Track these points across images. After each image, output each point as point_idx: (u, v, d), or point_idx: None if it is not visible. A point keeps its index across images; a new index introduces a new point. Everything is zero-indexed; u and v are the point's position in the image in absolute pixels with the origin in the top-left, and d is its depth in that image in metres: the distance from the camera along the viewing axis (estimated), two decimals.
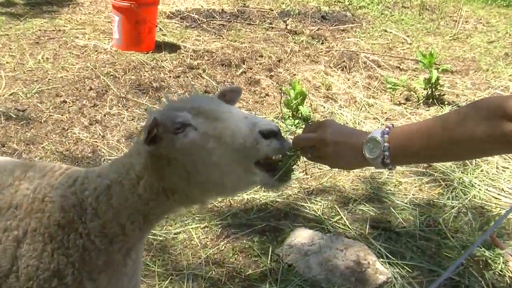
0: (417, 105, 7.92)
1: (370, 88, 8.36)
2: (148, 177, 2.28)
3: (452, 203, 5.57)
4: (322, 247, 4.63)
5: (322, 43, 9.93)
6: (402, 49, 10.15)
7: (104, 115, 6.57)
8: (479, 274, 4.56)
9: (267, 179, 2.14)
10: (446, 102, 7.96)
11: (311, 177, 5.93)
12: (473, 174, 6.06)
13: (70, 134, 6.16)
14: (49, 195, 2.41)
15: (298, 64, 8.83)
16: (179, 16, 10.35)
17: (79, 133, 6.19)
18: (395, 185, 5.86)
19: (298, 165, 2.29)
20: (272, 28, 10.33)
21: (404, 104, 8.01)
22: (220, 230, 4.95)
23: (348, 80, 8.56)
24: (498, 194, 5.76)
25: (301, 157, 2.27)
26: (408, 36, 10.74)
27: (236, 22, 10.38)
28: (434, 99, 7.97)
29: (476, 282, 4.50)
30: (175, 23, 10.02)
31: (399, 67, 9.25)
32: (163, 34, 9.18)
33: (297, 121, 7.01)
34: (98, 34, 8.96)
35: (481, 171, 6.13)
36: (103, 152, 5.91)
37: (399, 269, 4.59)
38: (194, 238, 4.83)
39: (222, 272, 4.46)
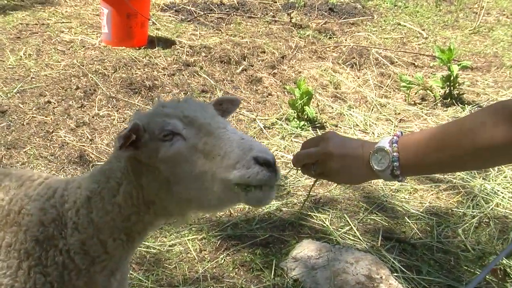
0: (434, 105, 7.94)
1: (382, 87, 8.38)
2: (127, 184, 2.32)
3: (472, 212, 5.58)
4: (331, 260, 4.64)
5: (329, 37, 9.95)
6: (417, 44, 10.18)
7: (93, 117, 6.59)
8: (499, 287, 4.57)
9: (245, 198, 2.17)
10: (465, 102, 7.98)
11: (318, 184, 5.94)
12: (495, 180, 6.07)
13: (55, 138, 6.17)
14: (26, 207, 2.41)
15: (304, 61, 8.85)
16: (174, 8, 10.38)
17: (65, 136, 6.21)
18: (410, 193, 5.87)
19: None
20: (275, 21, 10.35)
21: (419, 104, 8.03)
22: (219, 242, 4.96)
23: (358, 78, 8.58)
24: None
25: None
26: (423, 30, 10.77)
27: (236, 15, 10.40)
28: (452, 98, 7.99)
29: None
30: (170, 16, 10.05)
31: (414, 64, 9.27)
32: (156, 28, 9.20)
33: (302, 122, 7.03)
34: (85, 28, 8.98)
35: (505, 177, 6.15)
36: (91, 157, 5.93)
37: (414, 284, 4.60)
38: (190, 250, 4.85)
39: None
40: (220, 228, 5.12)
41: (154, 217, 2.38)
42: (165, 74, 7.67)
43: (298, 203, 5.57)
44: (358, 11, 11.48)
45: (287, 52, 9.01)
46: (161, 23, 9.52)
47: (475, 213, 5.55)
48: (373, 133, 7.10)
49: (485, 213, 5.55)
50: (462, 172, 6.15)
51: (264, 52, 8.80)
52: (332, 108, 7.64)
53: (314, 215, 5.39)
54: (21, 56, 7.72)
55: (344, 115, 7.48)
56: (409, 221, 5.39)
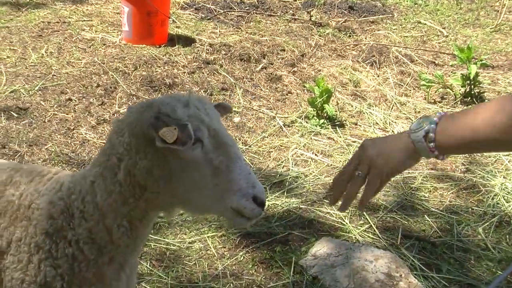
0: (454, 103, 7.90)
1: (402, 85, 8.35)
2: (128, 159, 2.35)
3: (493, 211, 5.54)
4: (350, 258, 4.63)
5: (349, 36, 9.93)
6: (437, 42, 10.13)
7: (113, 114, 6.63)
8: None
9: (231, 220, 2.39)
10: (486, 101, 7.93)
11: None
12: None
13: (76, 135, 6.21)
14: (36, 201, 2.46)
15: (324, 59, 8.84)
16: (194, 6, 10.41)
17: (85, 133, 6.25)
18: (430, 191, 5.85)
19: None
20: (295, 19, 10.35)
21: (439, 102, 7.99)
22: (238, 239, 4.97)
23: (378, 76, 8.55)
24: None
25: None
26: (444, 28, 10.71)
27: (256, 13, 10.41)
28: (473, 97, 7.95)
29: None
30: (190, 14, 10.08)
31: (434, 62, 9.23)
32: (176, 27, 9.24)
33: (322, 120, 7.03)
34: (106, 26, 9.04)
35: None
36: None
37: (434, 283, 4.58)
38: (210, 247, 4.86)
39: (240, 285, 4.48)
40: None
41: (146, 205, 2.41)
42: (185, 72, 7.70)
43: (318, 201, 5.57)
44: (378, 9, 11.44)
45: (306, 50, 9.01)
46: (181, 21, 9.55)
47: (495, 212, 5.52)
48: (392, 131, 7.08)
49: (505, 212, 5.52)
50: (483, 171, 6.13)
51: (284, 50, 8.80)
52: (352, 106, 7.62)
53: (334, 213, 5.39)
54: (42, 54, 7.78)
55: (364, 113, 7.46)
56: (429, 220, 5.37)
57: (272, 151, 6.46)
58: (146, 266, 4.56)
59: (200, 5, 10.48)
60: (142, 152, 2.32)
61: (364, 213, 5.38)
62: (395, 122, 7.29)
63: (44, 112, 6.49)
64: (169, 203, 2.44)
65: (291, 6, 11.09)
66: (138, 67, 7.55)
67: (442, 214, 5.47)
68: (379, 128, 7.17)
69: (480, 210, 5.55)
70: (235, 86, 7.59)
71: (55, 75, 7.24)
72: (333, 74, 8.32)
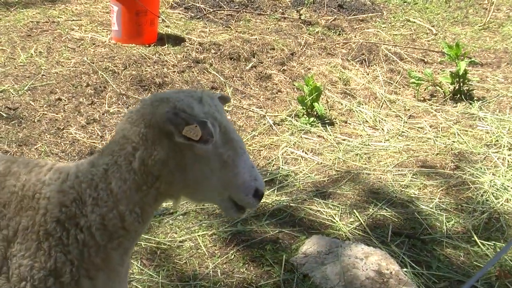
0: (443, 101, 7.93)
1: (391, 83, 8.38)
2: (144, 149, 2.47)
3: (482, 207, 5.57)
4: (340, 256, 4.65)
5: (339, 34, 9.95)
6: (426, 40, 10.16)
7: (103, 114, 6.62)
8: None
9: (228, 210, 2.66)
10: (475, 98, 7.97)
11: (327, 180, 5.95)
12: (505, 176, 6.06)
13: (66, 134, 6.21)
14: (42, 191, 2.52)
15: (313, 57, 8.85)
16: (183, 6, 10.40)
17: (75, 133, 6.24)
18: (420, 188, 5.87)
19: None
20: (285, 18, 10.36)
21: (429, 100, 8.02)
22: (229, 238, 4.98)
23: (368, 74, 8.57)
24: None
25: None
26: (433, 26, 10.74)
27: (245, 12, 10.41)
28: (462, 94, 7.98)
29: None
30: (179, 13, 10.07)
31: (424, 60, 9.26)
32: (166, 26, 9.23)
33: (312, 119, 7.05)
34: (95, 25, 9.02)
35: None
36: None
37: (424, 279, 4.60)
38: (201, 246, 4.87)
39: (231, 283, 4.49)
40: (230, 224, 5.14)
41: (157, 192, 2.53)
42: (175, 71, 7.69)
43: (308, 199, 5.59)
44: (368, 7, 11.47)
45: (296, 48, 9.02)
46: (170, 20, 9.54)
47: (485, 209, 5.54)
48: (382, 129, 7.10)
49: (495, 208, 5.54)
50: (472, 168, 6.15)
51: (274, 49, 8.81)
52: (342, 104, 7.64)
53: (324, 211, 5.40)
54: (31, 54, 7.76)
55: (354, 111, 7.49)
56: (419, 217, 5.39)
57: (262, 150, 6.47)
58: (137, 265, 4.56)
59: (189, 4, 10.47)
60: (157, 144, 2.45)
61: (354, 210, 5.40)
62: (385, 120, 7.31)
63: (33, 112, 6.47)
64: (178, 192, 2.59)
65: (280, 4, 11.09)
66: (127, 67, 7.54)
67: (432, 211, 5.49)
68: (368, 126, 7.19)
69: (470, 207, 5.57)
70: (225, 85, 7.60)
71: (44, 75, 7.22)
72: (323, 73, 8.34)
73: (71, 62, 7.61)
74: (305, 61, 8.69)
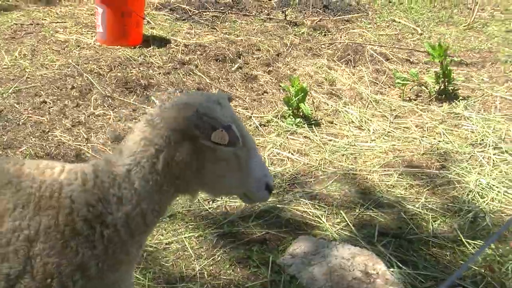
0: (429, 101, 7.96)
1: (377, 83, 8.40)
2: (167, 152, 2.59)
3: (468, 207, 5.59)
4: (327, 257, 4.65)
5: (324, 35, 9.97)
6: (412, 40, 10.20)
7: (88, 116, 6.59)
8: (497, 283, 4.57)
9: (244, 200, 2.93)
10: (460, 98, 8.00)
11: (314, 180, 5.96)
12: (490, 175, 6.09)
13: (51, 137, 6.17)
14: (62, 191, 2.59)
15: (299, 58, 8.86)
16: (169, 7, 10.38)
17: (60, 135, 6.21)
18: (406, 188, 5.89)
19: None
20: (270, 19, 10.36)
21: (414, 100, 8.05)
22: (215, 240, 4.97)
23: (353, 74, 8.59)
24: None
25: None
26: (418, 26, 10.79)
27: (231, 13, 10.41)
28: (447, 94, 8.01)
29: None
30: (164, 15, 10.05)
31: (409, 60, 9.29)
32: (151, 27, 9.21)
33: (298, 119, 7.05)
34: (80, 27, 8.98)
35: (500, 172, 6.17)
36: (87, 156, 5.93)
37: (411, 279, 4.61)
38: (187, 248, 4.85)
39: (218, 285, 4.48)
40: (216, 226, 5.13)
41: (175, 190, 2.69)
42: (160, 73, 7.68)
43: (295, 200, 5.58)
44: (353, 8, 11.50)
45: (282, 49, 9.02)
46: (156, 22, 9.52)
47: (470, 208, 5.56)
48: (368, 129, 7.12)
49: (480, 208, 5.56)
50: (458, 167, 6.18)
51: (259, 50, 8.81)
52: (328, 105, 7.65)
53: (310, 212, 5.40)
54: (16, 56, 7.72)
55: (340, 111, 7.50)
56: (405, 217, 5.40)
57: None
58: None
59: (175, 5, 10.46)
60: (180, 146, 2.58)
61: (341, 211, 5.40)
62: (371, 120, 7.33)
63: (18, 115, 6.43)
64: (196, 189, 2.77)
65: (266, 5, 11.11)
66: (113, 69, 7.51)
67: (418, 211, 5.50)
68: (354, 126, 7.20)
69: (456, 207, 5.59)
70: (211, 86, 7.58)
71: (29, 78, 7.18)
72: (309, 73, 8.34)
73: (55, 64, 7.58)
74: (291, 62, 8.70)
